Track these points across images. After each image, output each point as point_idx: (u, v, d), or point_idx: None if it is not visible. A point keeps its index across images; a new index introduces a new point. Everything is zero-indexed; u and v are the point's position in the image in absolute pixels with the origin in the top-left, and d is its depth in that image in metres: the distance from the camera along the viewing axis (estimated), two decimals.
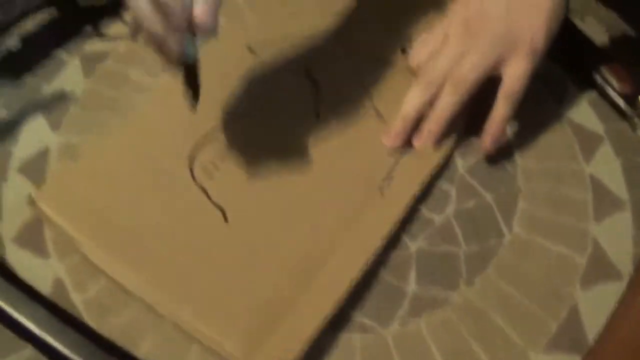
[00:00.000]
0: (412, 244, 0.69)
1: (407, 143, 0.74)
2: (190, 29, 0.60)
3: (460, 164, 0.76)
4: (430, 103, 0.74)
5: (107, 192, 0.69)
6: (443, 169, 0.75)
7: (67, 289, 0.64)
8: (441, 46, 0.74)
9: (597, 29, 0.90)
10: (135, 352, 0.62)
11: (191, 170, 0.70)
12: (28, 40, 0.83)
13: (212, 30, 0.60)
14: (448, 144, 0.75)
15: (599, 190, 0.74)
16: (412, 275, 0.67)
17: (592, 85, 0.83)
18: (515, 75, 0.72)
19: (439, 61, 0.73)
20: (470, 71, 0.72)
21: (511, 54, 0.72)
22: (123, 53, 0.83)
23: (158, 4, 0.57)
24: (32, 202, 0.68)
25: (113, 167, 0.71)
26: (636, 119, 0.79)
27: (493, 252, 0.69)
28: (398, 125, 0.74)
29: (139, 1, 0.57)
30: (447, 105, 0.73)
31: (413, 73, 0.77)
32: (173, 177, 0.70)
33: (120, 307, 0.63)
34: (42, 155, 0.74)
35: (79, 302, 0.64)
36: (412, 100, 0.74)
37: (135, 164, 0.71)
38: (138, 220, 0.67)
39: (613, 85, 0.81)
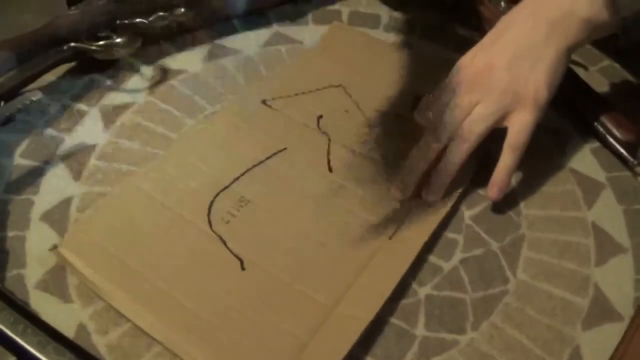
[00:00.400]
0: (421, 290, 0.71)
1: (417, 195, 0.77)
2: None
3: (467, 213, 0.78)
4: (438, 156, 0.76)
5: (128, 240, 0.71)
6: (450, 218, 0.77)
7: (90, 333, 0.66)
8: (448, 100, 0.77)
9: (599, 79, 0.93)
10: None
11: (209, 219, 0.73)
12: (49, 93, 0.86)
13: None
14: (456, 194, 0.78)
15: (601, 236, 0.76)
16: (421, 320, 0.69)
17: (594, 134, 0.85)
18: (520, 127, 0.74)
19: (447, 115, 0.76)
20: (476, 124, 0.74)
21: (516, 106, 0.74)
22: (142, 105, 0.86)
23: None
24: (55, 250, 0.70)
25: (134, 215, 0.73)
26: (638, 167, 0.81)
27: (498, 297, 0.71)
28: (407, 178, 0.76)
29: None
30: (454, 158, 0.75)
31: (422, 126, 0.79)
32: (192, 226, 0.72)
33: (142, 350, 0.65)
34: (64, 205, 0.76)
35: (102, 346, 0.65)
36: (420, 153, 0.77)
37: (156, 213, 0.73)
38: (158, 268, 0.69)
39: (615, 134, 0.83)
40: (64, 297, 0.69)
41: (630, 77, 0.94)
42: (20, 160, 0.80)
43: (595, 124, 0.85)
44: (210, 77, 0.90)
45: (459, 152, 0.75)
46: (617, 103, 0.86)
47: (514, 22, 0.77)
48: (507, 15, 0.79)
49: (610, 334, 0.68)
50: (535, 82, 0.74)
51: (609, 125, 0.84)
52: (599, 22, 0.74)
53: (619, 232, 0.77)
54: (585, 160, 0.84)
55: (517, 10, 0.78)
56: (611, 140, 0.84)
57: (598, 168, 0.83)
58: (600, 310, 0.70)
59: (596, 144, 0.85)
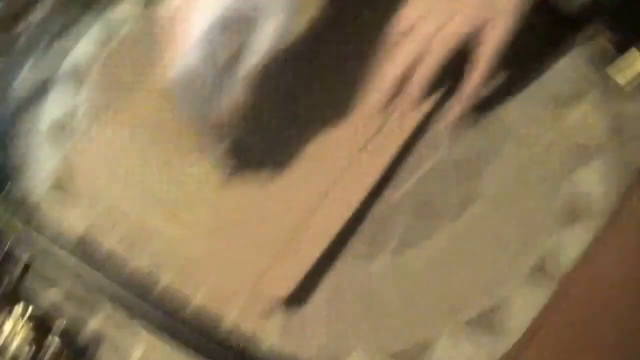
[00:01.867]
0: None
1: (391, 105, 0.78)
2: None
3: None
4: (413, 67, 0.77)
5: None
6: (425, 128, 0.79)
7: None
8: (424, 13, 0.77)
9: None
10: None
11: None
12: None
13: None
14: (429, 104, 0.79)
15: None
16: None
17: None
18: (491, 37, 0.76)
19: (422, 26, 0.76)
20: (451, 35, 0.75)
21: (489, 17, 0.75)
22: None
23: None
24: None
25: None
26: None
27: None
28: (381, 87, 0.78)
29: None
30: (428, 68, 0.76)
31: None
32: None
33: None
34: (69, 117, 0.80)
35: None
36: (394, 64, 0.77)
37: None
38: None
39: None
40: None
41: None
42: (28, 75, 0.83)
43: None
44: None
45: (432, 63, 0.76)
46: None
47: None
48: None
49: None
50: None
51: None
52: None
53: None
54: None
55: None
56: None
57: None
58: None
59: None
